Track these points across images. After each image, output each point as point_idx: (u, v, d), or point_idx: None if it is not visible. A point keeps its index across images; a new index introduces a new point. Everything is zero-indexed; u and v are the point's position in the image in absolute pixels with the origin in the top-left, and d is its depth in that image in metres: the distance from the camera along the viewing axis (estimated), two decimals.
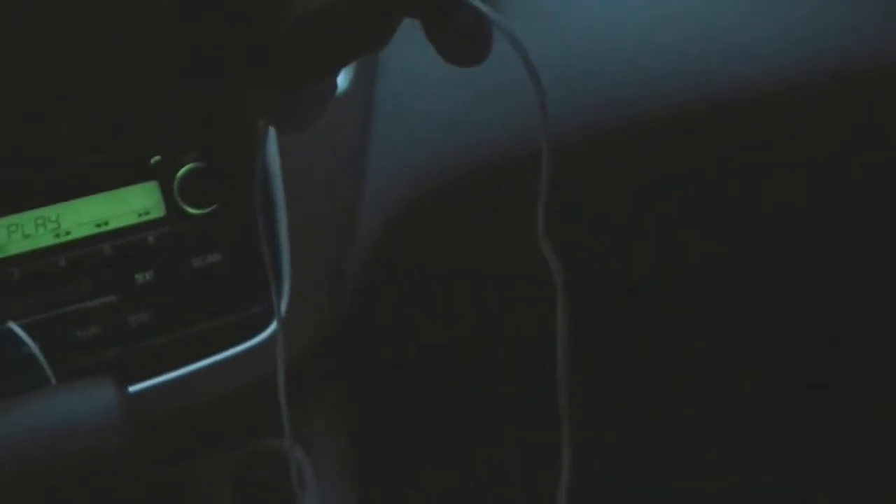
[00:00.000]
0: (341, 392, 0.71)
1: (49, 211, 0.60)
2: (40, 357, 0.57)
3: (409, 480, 1.03)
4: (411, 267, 0.70)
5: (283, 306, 0.63)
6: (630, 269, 1.04)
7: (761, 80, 0.70)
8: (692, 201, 0.85)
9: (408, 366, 0.97)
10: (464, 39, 0.33)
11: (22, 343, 0.59)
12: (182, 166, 0.61)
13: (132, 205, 0.61)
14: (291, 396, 0.67)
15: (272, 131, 0.62)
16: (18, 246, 0.60)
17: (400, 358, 0.96)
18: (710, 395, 1.22)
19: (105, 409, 0.52)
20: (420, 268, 0.71)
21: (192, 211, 0.61)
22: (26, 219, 0.60)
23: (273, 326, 0.63)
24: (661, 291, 1.20)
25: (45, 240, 0.60)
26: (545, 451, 1.10)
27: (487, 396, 1.09)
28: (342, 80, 0.65)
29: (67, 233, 0.61)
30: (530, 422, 1.06)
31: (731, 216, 0.94)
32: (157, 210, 0.61)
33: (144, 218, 0.61)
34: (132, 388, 0.60)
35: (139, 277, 0.61)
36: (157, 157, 0.61)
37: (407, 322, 0.81)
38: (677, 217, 0.88)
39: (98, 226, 0.61)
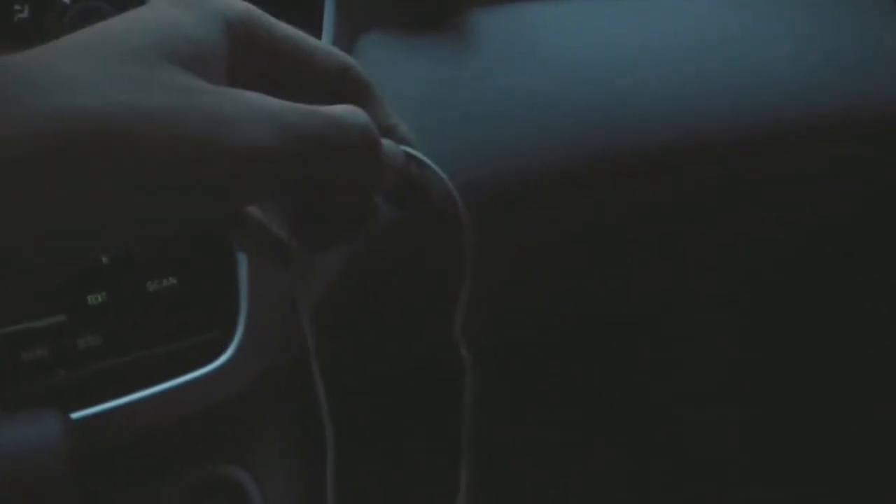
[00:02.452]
0: (296, 421, 0.69)
1: None
2: None
3: None
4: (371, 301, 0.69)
5: (240, 332, 0.61)
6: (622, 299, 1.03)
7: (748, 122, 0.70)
8: (687, 236, 0.85)
9: (366, 394, 0.95)
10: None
11: None
12: None
13: None
14: (245, 423, 0.66)
15: None
16: None
17: (358, 385, 0.94)
18: (695, 430, 1.21)
19: (48, 442, 0.50)
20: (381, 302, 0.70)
21: None
22: None
23: (227, 354, 0.61)
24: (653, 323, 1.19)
25: None
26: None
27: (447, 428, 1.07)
28: None
29: None
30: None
31: (718, 253, 0.94)
32: None
33: None
34: (79, 414, 0.57)
35: (91, 299, 0.59)
36: None
37: (366, 350, 0.79)
38: (666, 252, 0.88)
39: None
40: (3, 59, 0.28)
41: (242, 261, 0.61)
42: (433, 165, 0.40)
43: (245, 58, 0.34)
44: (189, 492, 0.65)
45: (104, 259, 0.59)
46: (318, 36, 0.63)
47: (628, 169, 0.69)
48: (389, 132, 0.39)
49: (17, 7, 0.54)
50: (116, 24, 0.31)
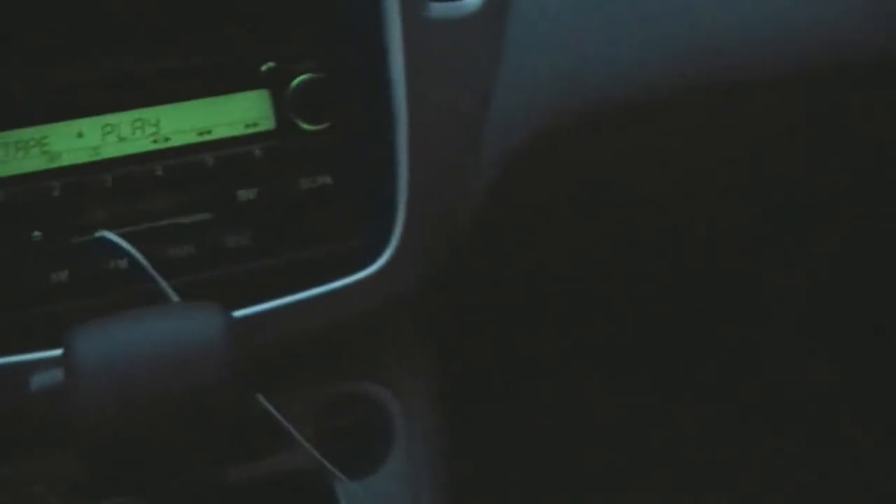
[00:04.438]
0: (436, 338, 0.66)
1: (148, 113, 0.55)
2: (148, 267, 0.52)
3: (503, 435, 0.98)
4: (530, 206, 0.64)
5: (396, 239, 0.57)
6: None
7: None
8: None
9: (509, 311, 0.92)
10: None
11: (115, 254, 0.54)
12: (297, 76, 0.55)
13: (239, 114, 0.55)
14: (388, 338, 0.63)
15: (398, 41, 0.56)
16: (113, 149, 0.54)
17: (501, 302, 0.90)
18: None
19: (211, 335, 0.47)
20: (539, 208, 0.65)
21: (304, 126, 0.56)
22: (123, 120, 0.54)
23: (380, 262, 0.57)
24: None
25: (142, 145, 0.55)
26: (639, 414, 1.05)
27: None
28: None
29: (167, 139, 0.55)
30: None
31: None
32: (267, 122, 0.56)
33: (252, 129, 0.55)
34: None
35: (241, 195, 0.56)
36: (270, 64, 0.55)
37: (519, 263, 0.75)
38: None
39: (200, 134, 0.55)
40: None
41: (403, 161, 0.57)
42: None
43: None
44: (324, 405, 0.61)
45: (256, 152, 0.55)
46: None
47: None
48: None
49: None
50: None
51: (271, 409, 0.51)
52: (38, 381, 0.47)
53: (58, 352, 0.52)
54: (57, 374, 0.47)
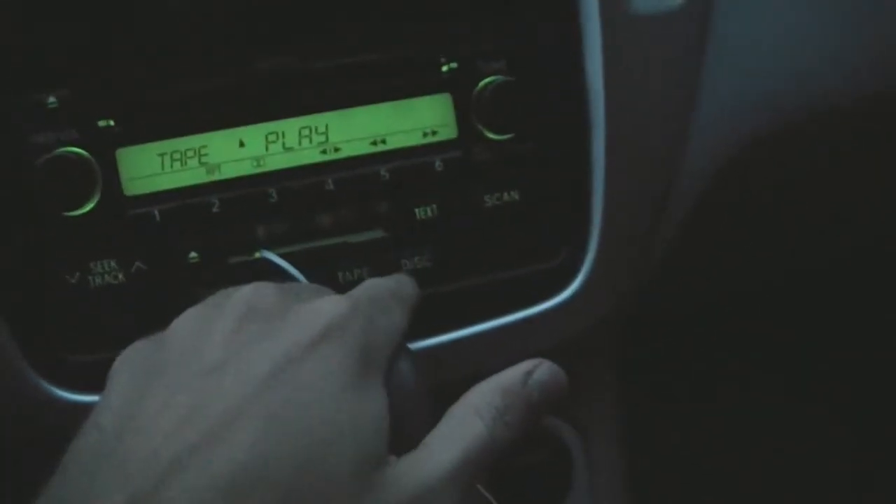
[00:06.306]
0: (618, 369, 0.59)
1: (317, 120, 0.49)
2: None
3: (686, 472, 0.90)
4: (735, 216, 0.57)
5: (589, 261, 0.51)
6: None
7: None
8: None
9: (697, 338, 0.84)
10: None
11: (277, 277, 0.48)
12: (483, 78, 0.49)
13: (417, 121, 0.49)
14: (577, 369, 0.56)
15: (597, 38, 0.50)
16: (278, 161, 0.49)
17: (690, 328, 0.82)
18: None
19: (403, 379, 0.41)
20: (748, 222, 0.58)
21: (491, 135, 0.49)
22: (289, 127, 0.49)
23: (573, 287, 0.51)
24: None
25: (310, 156, 0.49)
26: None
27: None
28: None
29: (337, 149, 0.49)
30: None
31: None
32: (448, 130, 0.49)
33: (431, 139, 0.49)
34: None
35: (419, 212, 0.49)
36: (452, 64, 0.49)
37: (707, 277, 0.67)
38: None
39: (374, 143, 0.49)
40: None
41: (599, 174, 0.50)
42: None
43: None
44: None
45: (437, 164, 0.49)
46: None
47: None
48: None
49: None
50: None
51: None
52: None
53: None
54: None
